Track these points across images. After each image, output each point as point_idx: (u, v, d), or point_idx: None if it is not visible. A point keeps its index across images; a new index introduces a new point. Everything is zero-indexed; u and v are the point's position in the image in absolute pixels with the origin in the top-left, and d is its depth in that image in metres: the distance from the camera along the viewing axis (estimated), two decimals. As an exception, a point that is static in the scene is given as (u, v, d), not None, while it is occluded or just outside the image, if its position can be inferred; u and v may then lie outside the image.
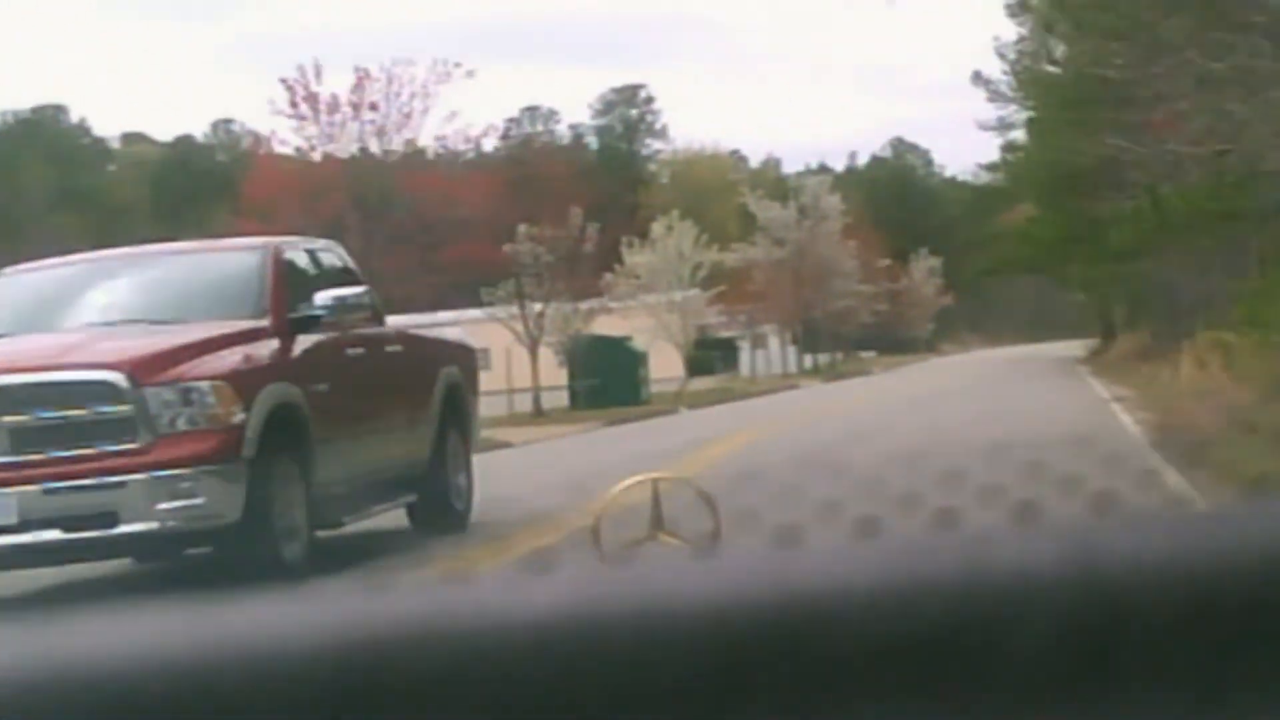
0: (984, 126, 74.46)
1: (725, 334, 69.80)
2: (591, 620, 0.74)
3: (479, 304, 41.70)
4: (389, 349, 12.69)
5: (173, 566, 11.65)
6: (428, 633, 0.73)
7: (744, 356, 67.88)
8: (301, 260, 12.19)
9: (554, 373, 43.68)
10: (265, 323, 11.08)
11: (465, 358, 14.38)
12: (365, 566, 11.20)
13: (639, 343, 47.08)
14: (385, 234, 39.51)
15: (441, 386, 13.34)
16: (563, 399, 43.06)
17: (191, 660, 0.73)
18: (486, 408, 40.47)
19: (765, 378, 63.74)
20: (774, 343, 72.49)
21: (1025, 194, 58.13)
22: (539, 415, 38.68)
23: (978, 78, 73.74)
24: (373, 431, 11.98)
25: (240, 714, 0.72)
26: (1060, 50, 54.52)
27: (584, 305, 42.46)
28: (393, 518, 12.95)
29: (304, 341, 11.23)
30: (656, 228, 49.96)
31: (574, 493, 12.67)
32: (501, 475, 17.31)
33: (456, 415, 13.64)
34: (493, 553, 11.29)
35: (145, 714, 0.72)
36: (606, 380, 42.60)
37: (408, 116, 41.53)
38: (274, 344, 10.97)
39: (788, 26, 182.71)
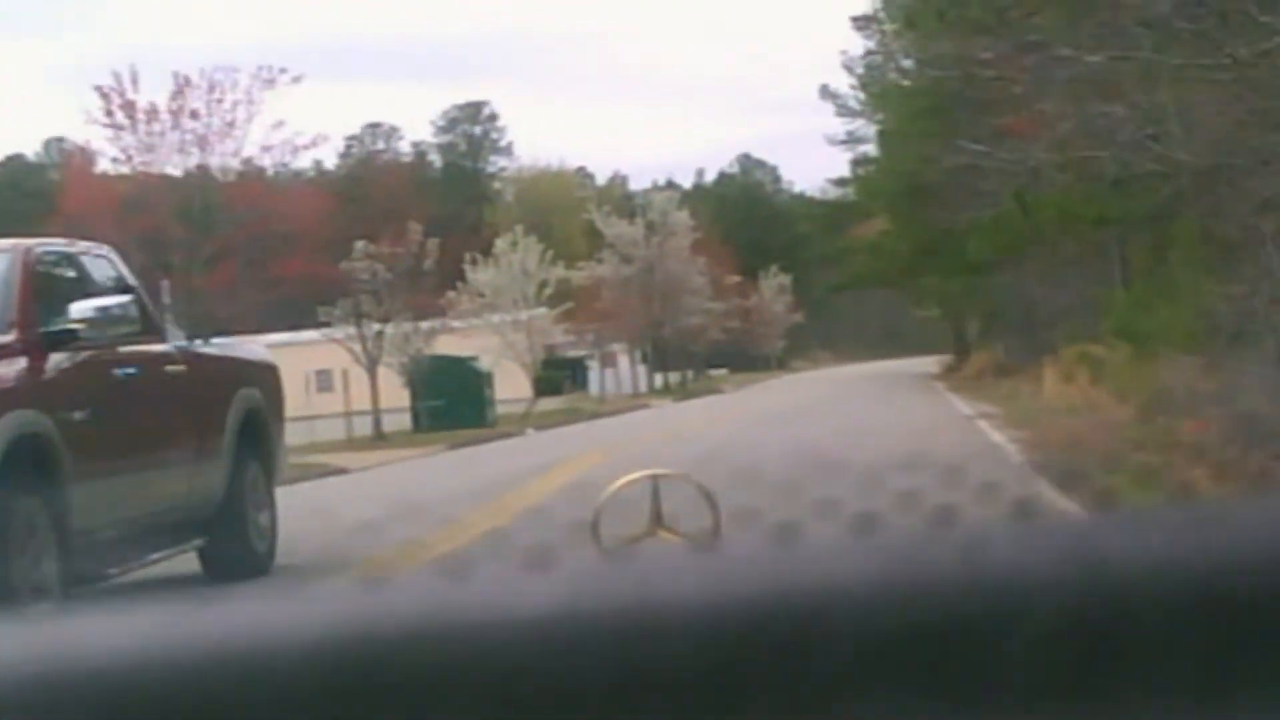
0: (833, 141, 73.95)
1: (574, 353, 68.37)
2: (589, 617, 0.74)
3: (317, 324, 39.83)
4: (170, 369, 10.87)
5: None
6: (425, 629, 0.73)
7: (593, 376, 66.34)
8: (62, 267, 10.35)
9: (397, 394, 42.07)
10: (9, 338, 9.24)
11: (267, 378, 12.58)
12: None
13: (484, 363, 45.54)
14: (211, 249, 37.44)
15: (237, 411, 11.58)
16: (406, 421, 41.41)
17: (188, 658, 0.73)
18: (325, 431, 39.36)
19: (615, 397, 62.29)
20: (624, 362, 71.18)
21: (877, 208, 57.26)
22: (380, 438, 36.87)
23: (825, 92, 72.99)
24: (147, 466, 10.16)
25: (236, 711, 0.72)
26: (910, 61, 54.06)
27: (425, 324, 40.71)
28: (185, 563, 11.23)
29: (58, 361, 9.42)
30: (500, 244, 48.18)
31: (404, 524, 11.56)
32: (327, 505, 15.87)
33: (256, 444, 11.88)
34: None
35: (142, 711, 0.72)
36: (451, 402, 41.13)
37: (231, 125, 39.40)
38: (19, 363, 9.13)
39: (632, 44, 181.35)
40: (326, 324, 38.95)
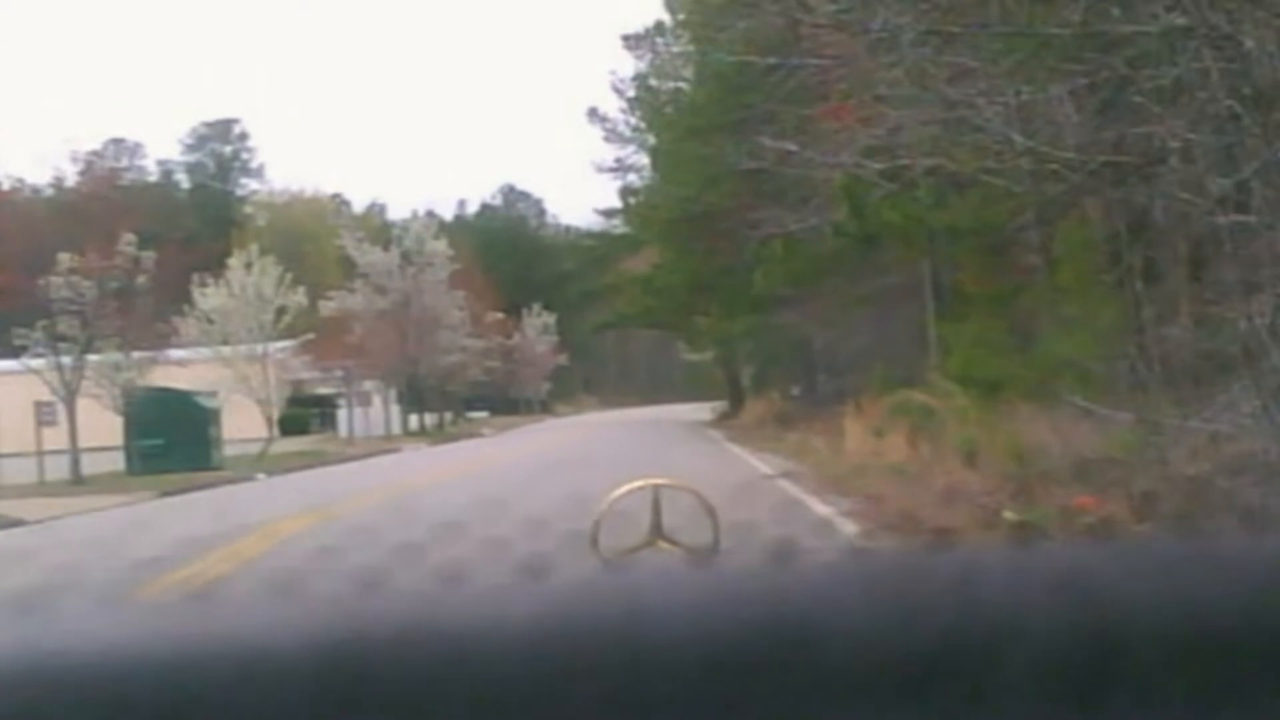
0: (601, 169, 70.05)
1: (325, 390, 63.63)
2: (582, 627, 0.74)
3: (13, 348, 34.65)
4: None
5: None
6: (417, 634, 0.74)
7: (343, 416, 61.61)
8: None
9: (113, 432, 37.22)
10: None
11: None
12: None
13: (212, 397, 40.81)
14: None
15: None
16: (120, 462, 36.51)
17: (180, 656, 0.73)
18: (8, 474, 34.29)
19: (365, 439, 57.71)
20: (379, 401, 66.62)
21: (649, 237, 53.47)
22: (78, 483, 31.87)
23: (594, 115, 69.31)
24: None
25: (226, 710, 0.72)
26: (688, 71, 50.68)
27: (141, 353, 35.73)
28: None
29: None
30: (234, 263, 43.06)
31: None
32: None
33: None
34: None
35: (133, 710, 0.72)
36: (170, 441, 36.44)
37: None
38: None
39: (393, 67, 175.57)
40: (23, 348, 33.78)
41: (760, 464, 25.25)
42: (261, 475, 35.30)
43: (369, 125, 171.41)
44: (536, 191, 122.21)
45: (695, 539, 2.53)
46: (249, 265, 42.68)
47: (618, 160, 66.14)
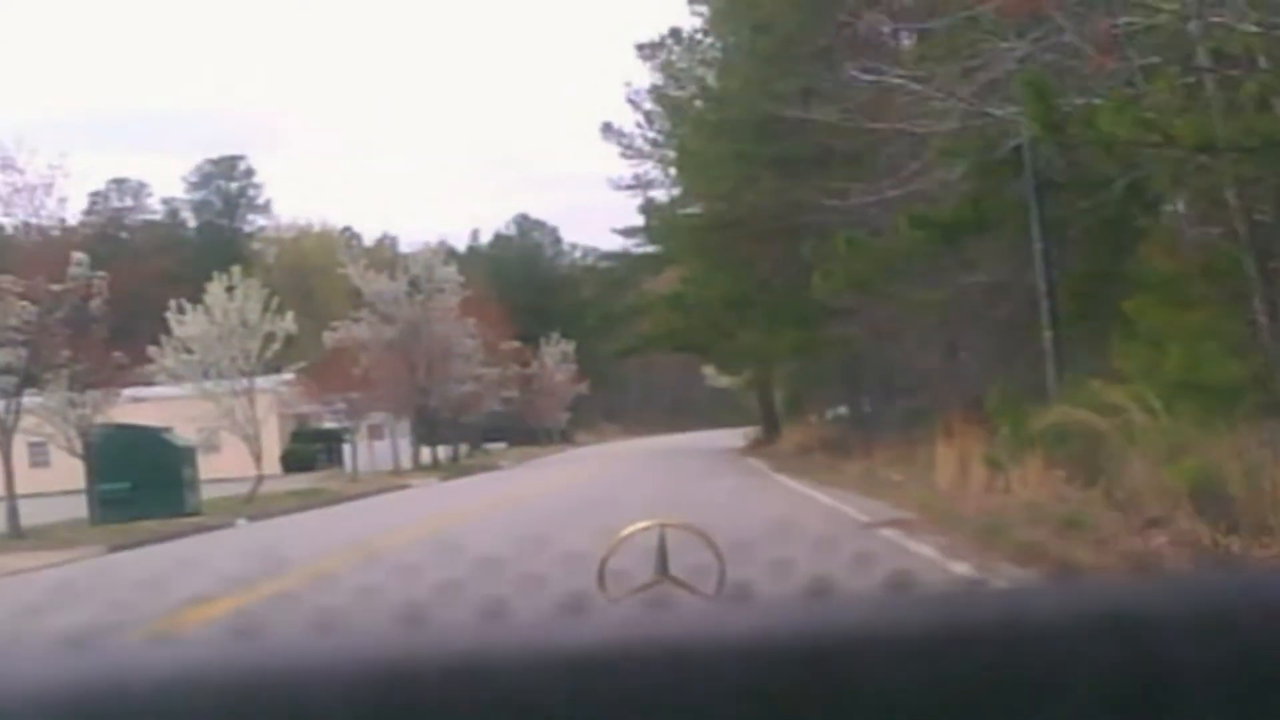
0: (619, 186, 64.89)
1: (333, 424, 58.49)
2: (628, 660, 0.74)
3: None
4: None
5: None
6: (465, 667, 0.73)
7: (352, 450, 56.49)
8: None
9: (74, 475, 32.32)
10: None
11: None
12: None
13: (190, 434, 35.77)
14: None
15: None
16: (83, 509, 31.42)
17: (228, 689, 0.72)
18: None
19: (372, 475, 52.60)
20: (391, 434, 61.56)
21: (676, 253, 47.99)
22: (15, 536, 26.72)
23: (609, 131, 64.21)
24: None
25: None
26: (710, 74, 45.56)
27: (103, 388, 30.57)
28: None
29: None
30: (213, 288, 37.74)
31: None
32: None
33: None
34: None
35: None
36: (138, 483, 31.33)
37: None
38: None
39: (402, 101, 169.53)
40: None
41: (835, 503, 19.93)
42: (242, 521, 30.54)
43: (377, 159, 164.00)
44: (551, 220, 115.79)
45: (701, 580, 2.25)
46: (230, 289, 37.37)
47: (636, 177, 60.98)
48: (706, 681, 0.71)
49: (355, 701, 0.70)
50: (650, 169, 59.67)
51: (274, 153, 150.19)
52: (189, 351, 37.48)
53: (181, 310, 37.64)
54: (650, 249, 62.49)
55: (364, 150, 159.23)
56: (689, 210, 41.54)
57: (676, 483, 29.41)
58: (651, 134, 57.61)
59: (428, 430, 64.95)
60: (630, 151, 59.71)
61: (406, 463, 57.31)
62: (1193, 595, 0.76)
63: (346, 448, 56.28)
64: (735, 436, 64.24)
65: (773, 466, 35.97)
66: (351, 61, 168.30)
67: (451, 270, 65.04)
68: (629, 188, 60.88)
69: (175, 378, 38.53)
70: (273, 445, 62.43)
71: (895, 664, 0.71)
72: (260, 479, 37.19)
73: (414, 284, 62.20)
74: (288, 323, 37.24)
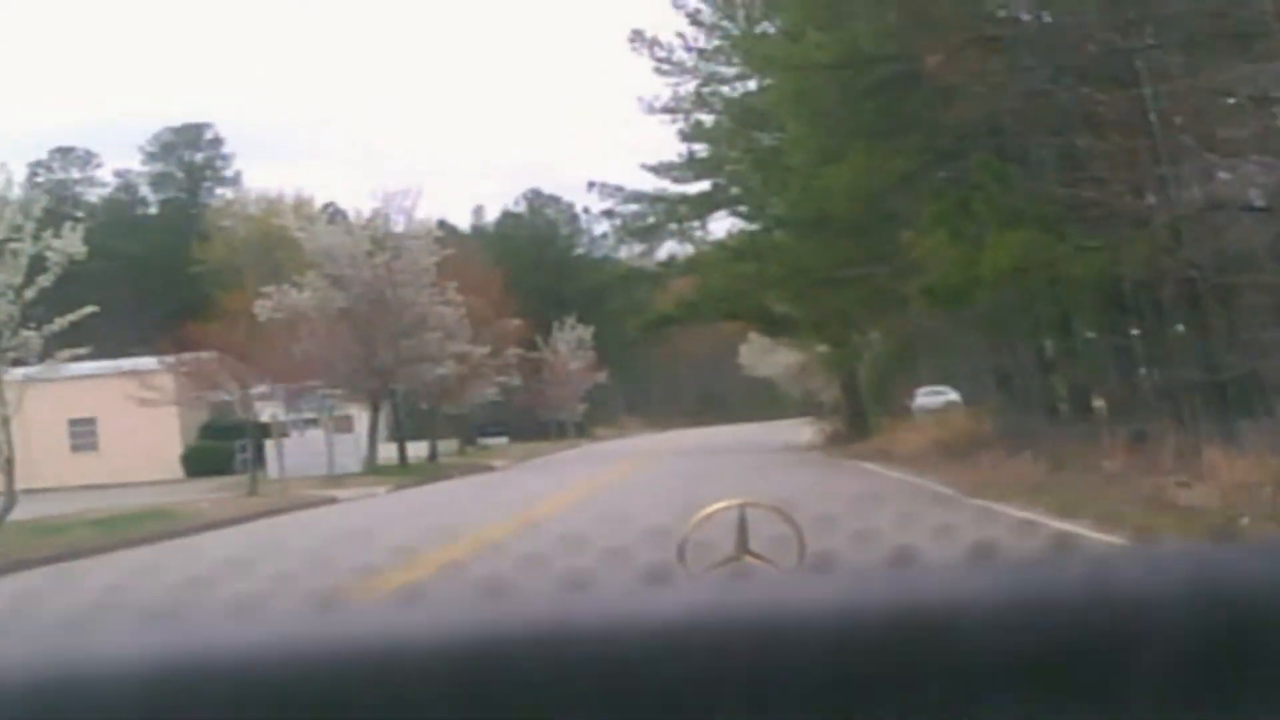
0: (654, 108, 49.08)
1: (293, 414, 43.50)
2: (713, 630, 0.72)
3: None
4: None
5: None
6: (549, 637, 0.72)
7: (283, 447, 41.40)
8: None
9: None
10: None
11: None
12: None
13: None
14: None
15: None
16: None
17: (315, 660, 0.71)
18: None
19: (305, 480, 37.63)
20: (362, 427, 46.85)
21: (786, 117, 31.36)
22: None
23: (638, 39, 48.74)
24: None
25: (364, 713, 0.70)
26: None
27: None
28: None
29: None
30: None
31: None
32: None
33: None
34: None
35: (268, 713, 0.71)
36: None
37: None
38: None
39: (393, 64, 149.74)
40: None
41: None
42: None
43: (366, 130, 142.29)
44: (566, 195, 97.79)
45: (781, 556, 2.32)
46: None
47: (674, 96, 45.18)
48: (789, 650, 0.70)
49: (433, 672, 0.69)
50: (692, 86, 44.05)
51: (248, 125, 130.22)
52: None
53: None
54: (697, 185, 46.85)
55: (351, 123, 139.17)
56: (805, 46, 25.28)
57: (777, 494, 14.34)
58: (701, 37, 41.96)
59: (400, 421, 49.89)
60: (667, 66, 44.14)
61: (355, 465, 41.88)
62: (1276, 558, 0.73)
63: (282, 444, 41.15)
64: (789, 430, 49.79)
65: (946, 480, 21.16)
66: (333, 25, 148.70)
67: (428, 222, 50.20)
68: (667, 111, 45.09)
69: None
70: (167, 442, 47.70)
71: (979, 632, 0.70)
72: (10, 501, 21.80)
73: (376, 242, 47.26)
74: (71, 240, 21.70)
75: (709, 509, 2.38)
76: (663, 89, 50.52)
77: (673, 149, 50.11)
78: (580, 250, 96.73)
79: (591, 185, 50.28)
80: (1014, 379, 29.83)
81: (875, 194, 23.57)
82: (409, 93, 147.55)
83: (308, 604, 0.73)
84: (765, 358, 77.63)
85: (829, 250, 28.10)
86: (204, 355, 38.65)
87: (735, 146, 40.76)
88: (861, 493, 21.46)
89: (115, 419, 44.73)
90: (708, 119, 45.16)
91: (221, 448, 45.63)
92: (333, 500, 31.80)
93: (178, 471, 47.05)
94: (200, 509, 27.71)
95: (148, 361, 38.51)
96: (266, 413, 46.50)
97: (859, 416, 45.12)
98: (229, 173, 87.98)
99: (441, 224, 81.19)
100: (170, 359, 36.77)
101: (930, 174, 23.43)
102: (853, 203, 23.33)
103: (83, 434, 48.49)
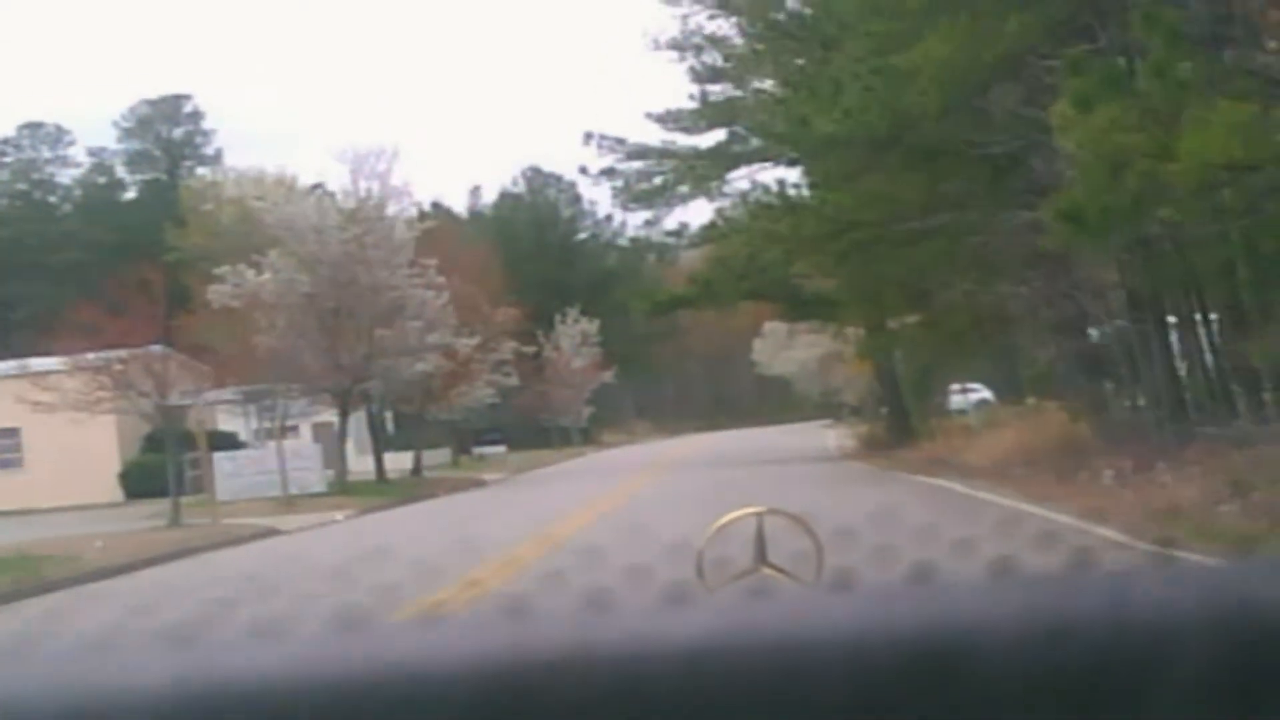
0: (660, 45, 41.39)
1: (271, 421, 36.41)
2: (736, 650, 0.72)
3: None
4: None
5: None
6: (572, 659, 0.71)
7: (233, 463, 34.36)
8: None
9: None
10: None
11: None
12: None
13: None
14: None
15: None
16: None
17: (339, 682, 0.71)
18: None
19: (256, 502, 30.72)
20: (352, 432, 39.89)
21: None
22: None
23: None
24: None
25: None
26: None
27: None
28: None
29: None
30: None
31: None
32: None
33: None
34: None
35: None
36: None
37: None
38: None
39: (386, 41, 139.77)
40: None
41: None
42: None
43: (357, 109, 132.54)
44: (568, 174, 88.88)
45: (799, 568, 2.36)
46: None
47: (684, 32, 38.01)
48: (810, 670, 0.69)
49: (457, 694, 0.68)
50: (705, 20, 36.86)
51: (231, 109, 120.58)
52: None
53: None
54: (711, 136, 39.43)
55: (339, 99, 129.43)
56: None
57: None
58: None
59: (372, 429, 42.84)
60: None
61: (317, 481, 34.69)
62: None
63: (226, 461, 33.98)
64: (812, 434, 43.15)
65: (1064, 511, 14.35)
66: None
67: (404, 189, 43.14)
68: (676, 48, 37.70)
69: None
70: (104, 457, 40.24)
71: (999, 649, 0.69)
72: None
73: (346, 214, 40.26)
74: None
75: (726, 518, 2.33)
76: (669, 20, 42.78)
77: (681, 99, 42.59)
78: (583, 235, 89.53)
79: (589, 137, 42.51)
80: (1127, 362, 22.89)
81: (971, 85, 16.76)
82: (396, 57, 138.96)
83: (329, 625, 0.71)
84: (781, 353, 70.85)
85: (897, 185, 21.19)
86: (150, 352, 31.41)
87: (763, 72, 33.70)
88: (974, 535, 14.52)
89: (42, 430, 36.64)
90: (719, 60, 37.93)
91: (154, 464, 38.39)
92: (271, 532, 24.81)
93: (116, 492, 39.69)
94: (88, 550, 20.73)
95: (48, 362, 31.28)
96: (227, 420, 39.83)
97: (900, 417, 38.17)
98: (210, 150, 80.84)
99: (435, 206, 74.55)
100: (81, 358, 29.52)
101: (1054, 47, 16.65)
102: (947, 91, 16.44)
103: (3, 447, 40.74)
